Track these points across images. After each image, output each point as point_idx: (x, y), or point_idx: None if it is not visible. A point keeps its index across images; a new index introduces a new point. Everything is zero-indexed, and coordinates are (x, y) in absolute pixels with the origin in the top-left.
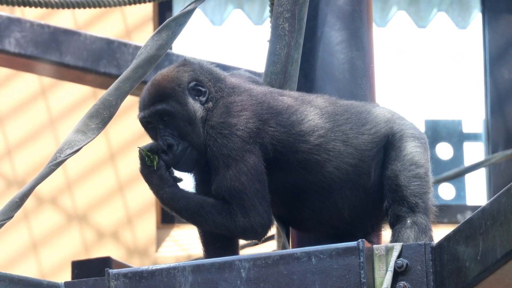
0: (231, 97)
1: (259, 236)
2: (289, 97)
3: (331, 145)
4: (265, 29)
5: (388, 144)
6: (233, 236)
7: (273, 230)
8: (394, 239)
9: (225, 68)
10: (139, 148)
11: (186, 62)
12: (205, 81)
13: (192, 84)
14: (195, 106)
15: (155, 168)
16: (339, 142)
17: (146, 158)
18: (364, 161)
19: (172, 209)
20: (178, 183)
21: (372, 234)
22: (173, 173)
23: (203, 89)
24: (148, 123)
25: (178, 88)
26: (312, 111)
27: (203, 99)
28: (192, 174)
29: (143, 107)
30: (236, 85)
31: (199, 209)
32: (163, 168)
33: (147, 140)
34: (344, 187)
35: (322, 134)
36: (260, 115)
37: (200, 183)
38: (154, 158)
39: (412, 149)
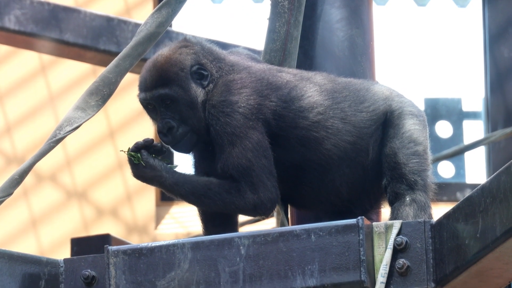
0: (230, 75)
1: (268, 211)
2: (288, 74)
3: (329, 123)
4: (265, 7)
5: (386, 121)
6: (243, 213)
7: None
8: (393, 216)
9: (224, 46)
10: (123, 151)
11: (188, 43)
12: (207, 63)
13: (195, 68)
14: (197, 90)
15: (143, 163)
16: (338, 120)
17: (133, 159)
18: (362, 139)
19: (178, 195)
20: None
21: (370, 211)
22: (166, 161)
23: (205, 73)
24: (148, 104)
25: (181, 73)
26: (312, 87)
27: (205, 82)
28: (191, 152)
29: (144, 88)
30: (235, 63)
31: (206, 191)
32: (150, 159)
33: (146, 118)
34: (342, 164)
35: (321, 111)
36: (260, 91)
37: (199, 160)
38: (137, 156)
39: (410, 126)
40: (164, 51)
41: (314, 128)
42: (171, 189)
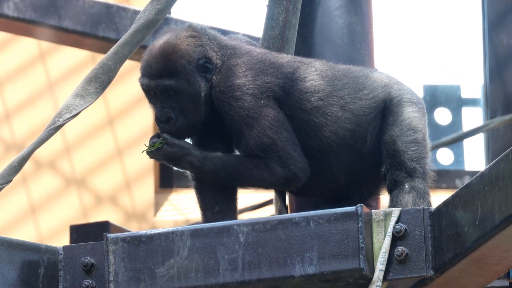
0: (233, 60)
1: (301, 181)
2: (287, 57)
3: (329, 110)
4: None
5: (385, 109)
6: (276, 188)
7: (270, 195)
8: (392, 204)
9: (223, 32)
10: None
11: (195, 33)
12: (213, 55)
13: (201, 61)
14: (202, 84)
15: (167, 145)
16: (337, 107)
17: (155, 145)
18: (361, 126)
19: (207, 171)
20: None
21: (368, 197)
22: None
23: (210, 67)
24: (150, 90)
25: (188, 66)
26: (313, 72)
27: (209, 76)
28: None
29: (148, 75)
30: (236, 47)
31: (236, 165)
32: (174, 139)
33: (146, 105)
34: (340, 151)
35: (322, 96)
36: (265, 71)
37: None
38: (159, 141)
39: (409, 114)
40: (171, 38)
41: (315, 113)
42: (200, 165)
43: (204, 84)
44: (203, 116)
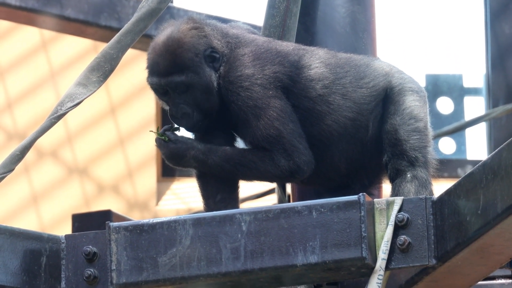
0: (239, 49)
1: (306, 174)
2: (291, 45)
3: (331, 98)
4: None
5: (386, 98)
6: (281, 181)
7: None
8: (394, 193)
9: (223, 21)
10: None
11: (196, 24)
12: (218, 44)
13: (208, 51)
14: (211, 74)
15: (172, 141)
16: (339, 96)
17: (162, 137)
18: (362, 115)
19: (212, 164)
20: None
21: (369, 186)
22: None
23: (217, 56)
24: (160, 88)
25: (196, 58)
26: (316, 60)
27: (217, 65)
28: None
29: (157, 73)
30: (239, 36)
31: (240, 158)
32: (178, 136)
33: (148, 94)
34: (341, 140)
35: (326, 84)
36: (272, 60)
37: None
38: (165, 135)
39: (411, 103)
40: (173, 33)
41: (319, 101)
42: (205, 159)
43: (213, 74)
44: (217, 107)
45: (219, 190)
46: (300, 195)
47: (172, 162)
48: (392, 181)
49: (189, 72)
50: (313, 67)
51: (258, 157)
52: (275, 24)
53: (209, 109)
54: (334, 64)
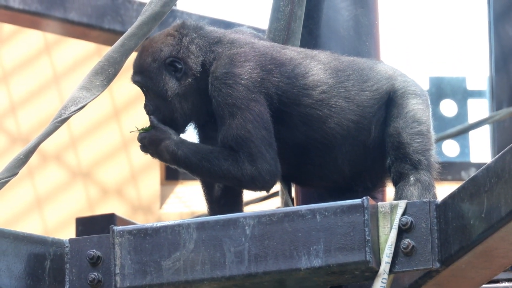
0: (233, 50)
1: (267, 184)
2: (292, 51)
3: (333, 101)
4: None
5: (389, 101)
6: (242, 185)
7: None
8: (398, 196)
9: (228, 24)
10: (135, 130)
11: (176, 32)
12: (189, 55)
13: (169, 60)
14: (170, 82)
15: (153, 128)
16: (341, 99)
17: (144, 129)
18: (365, 118)
19: (181, 156)
20: None
21: (372, 189)
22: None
23: (179, 66)
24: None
25: (153, 64)
26: (316, 65)
27: (179, 75)
28: (196, 131)
29: (132, 69)
30: (236, 39)
31: (207, 154)
32: (160, 124)
33: None
34: (344, 143)
35: (325, 89)
36: (264, 66)
37: (203, 141)
38: (148, 127)
39: (414, 106)
40: (154, 35)
41: (318, 106)
42: (175, 150)
43: (174, 83)
44: (183, 113)
45: (223, 193)
46: (303, 199)
47: (146, 149)
48: (395, 184)
49: (144, 75)
50: (310, 75)
51: (223, 155)
52: (280, 28)
53: (166, 115)
54: (335, 68)
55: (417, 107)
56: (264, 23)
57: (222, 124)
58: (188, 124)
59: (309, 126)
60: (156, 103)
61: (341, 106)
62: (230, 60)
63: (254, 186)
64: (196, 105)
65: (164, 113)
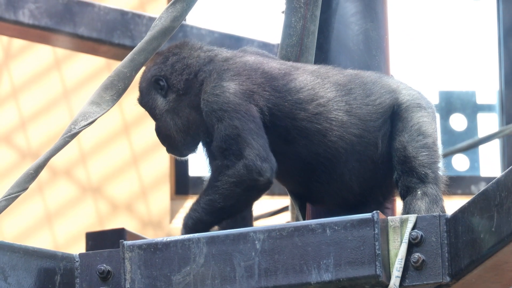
0: (224, 66)
1: (264, 171)
2: (289, 67)
3: (333, 115)
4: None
5: (394, 114)
6: (247, 182)
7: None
8: (406, 211)
9: (238, 39)
10: None
11: (166, 52)
12: (171, 74)
13: (153, 79)
14: (158, 100)
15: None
16: (342, 112)
17: None
18: (369, 132)
19: (205, 221)
20: None
21: (384, 203)
22: None
23: (162, 83)
24: None
25: (143, 84)
26: (313, 80)
27: (163, 92)
28: (205, 151)
29: None
30: (230, 57)
31: (213, 193)
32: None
33: None
34: (350, 158)
35: (322, 103)
36: (254, 79)
37: (213, 160)
38: None
39: (419, 119)
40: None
41: (315, 119)
42: (187, 221)
43: (161, 100)
44: (178, 129)
45: None
46: (314, 213)
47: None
48: (403, 198)
49: (141, 96)
50: (305, 89)
51: (217, 178)
52: (292, 44)
53: (162, 131)
54: (336, 82)
55: (422, 120)
56: (276, 37)
57: (214, 132)
58: (190, 141)
59: (309, 139)
60: (156, 123)
61: (341, 120)
62: (220, 76)
63: (251, 175)
64: (192, 122)
65: (162, 131)
